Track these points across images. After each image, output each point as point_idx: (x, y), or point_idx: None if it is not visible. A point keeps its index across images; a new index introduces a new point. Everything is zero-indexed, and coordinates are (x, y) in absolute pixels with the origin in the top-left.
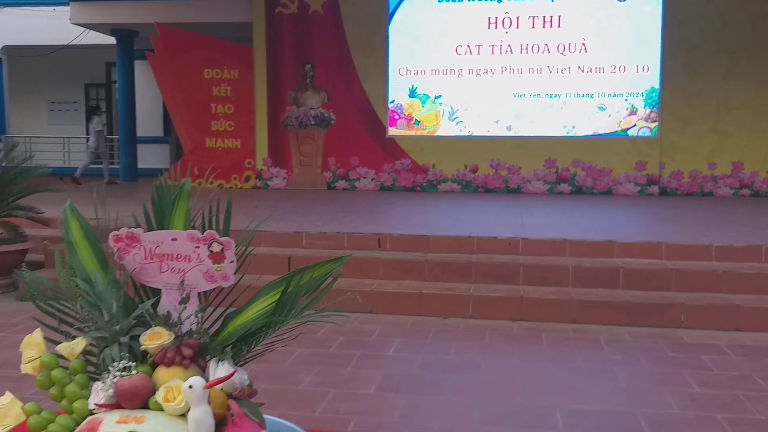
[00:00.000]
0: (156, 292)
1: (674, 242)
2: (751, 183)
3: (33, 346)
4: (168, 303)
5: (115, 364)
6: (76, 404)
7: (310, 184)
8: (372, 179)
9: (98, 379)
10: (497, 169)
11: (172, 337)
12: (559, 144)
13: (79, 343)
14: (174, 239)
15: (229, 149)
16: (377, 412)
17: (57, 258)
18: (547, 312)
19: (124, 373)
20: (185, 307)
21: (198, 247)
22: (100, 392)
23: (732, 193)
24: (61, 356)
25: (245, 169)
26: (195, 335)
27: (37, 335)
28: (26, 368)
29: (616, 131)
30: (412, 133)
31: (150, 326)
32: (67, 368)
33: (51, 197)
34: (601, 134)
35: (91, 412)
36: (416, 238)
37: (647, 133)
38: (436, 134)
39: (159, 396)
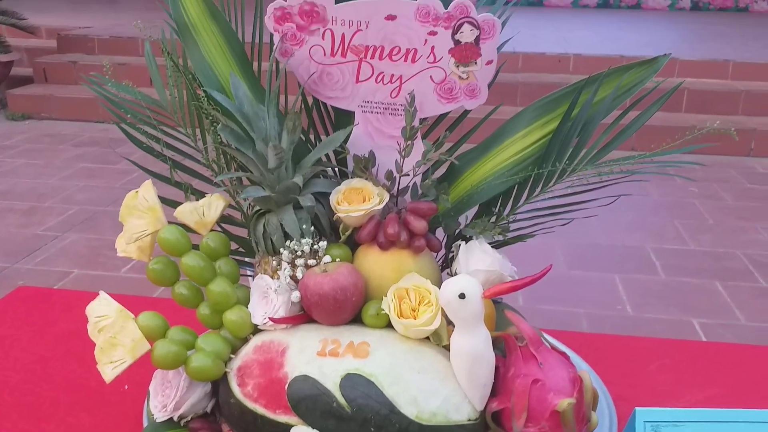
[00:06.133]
0: (344, 120)
1: (741, 60)
2: None
3: (142, 212)
4: (368, 138)
5: (291, 244)
6: (231, 315)
7: None
8: None
9: (250, 265)
10: None
11: (385, 198)
12: None
13: (216, 203)
14: (391, 17)
15: None
16: None
17: (149, 57)
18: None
19: (312, 262)
20: (410, 145)
21: (434, 34)
22: (272, 295)
23: None
24: (182, 226)
25: None
26: (425, 195)
27: (149, 191)
28: (127, 249)
29: None
30: None
31: (336, 180)
32: (196, 247)
33: (33, 3)
34: None
35: (257, 329)
36: None
37: None
38: None
39: (388, 306)
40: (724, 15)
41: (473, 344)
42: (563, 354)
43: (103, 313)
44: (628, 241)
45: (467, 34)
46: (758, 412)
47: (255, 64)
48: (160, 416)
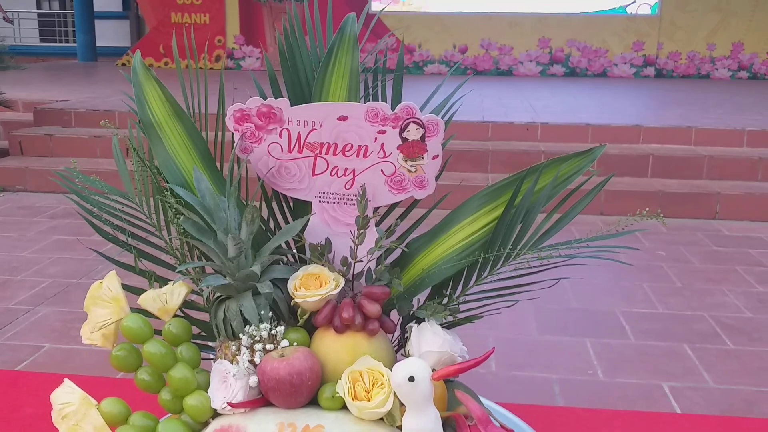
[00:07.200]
0: (301, 209)
1: (703, 127)
2: (749, 65)
3: (106, 302)
4: (325, 225)
5: (250, 329)
6: (191, 401)
7: None
8: None
9: (212, 348)
10: (488, 50)
11: (341, 283)
12: (554, 22)
13: (178, 290)
14: (342, 118)
15: (197, 25)
16: None
17: (116, 153)
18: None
19: (270, 346)
20: (363, 233)
21: (383, 133)
22: (231, 380)
23: (729, 76)
24: (144, 313)
25: (215, 48)
26: (379, 279)
27: (113, 282)
28: (92, 337)
29: (615, 8)
30: (397, 8)
31: (295, 265)
32: (159, 333)
33: (11, 77)
34: (598, 12)
35: (216, 414)
36: None
37: (647, 10)
38: (423, 10)
39: (342, 389)
40: (687, 82)
41: (423, 425)
42: (511, 431)
43: (67, 400)
44: (598, 305)
45: (413, 133)
46: None
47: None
48: None
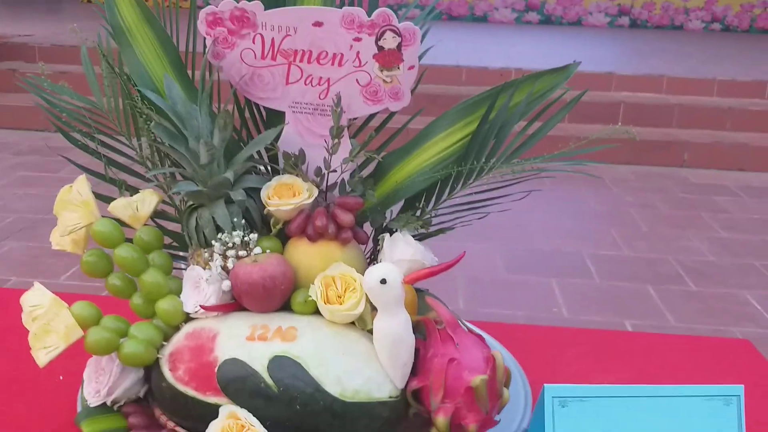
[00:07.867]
0: (275, 120)
1: (675, 75)
2: (723, 17)
3: (76, 206)
4: (299, 136)
5: (223, 236)
6: (163, 304)
7: None
8: None
9: (184, 259)
10: None
11: (314, 193)
12: None
13: (149, 198)
14: (317, 24)
15: None
16: None
17: (84, 58)
18: (542, 149)
19: (243, 253)
20: (337, 143)
21: (359, 40)
22: (203, 284)
23: (703, 27)
24: (116, 221)
25: None
26: (353, 191)
27: (83, 186)
28: (62, 242)
29: None
30: None
31: (268, 176)
32: (130, 241)
33: None
34: None
35: (189, 318)
36: None
37: None
38: None
39: (315, 293)
40: (661, 32)
41: (394, 326)
42: (479, 336)
43: (38, 302)
44: (565, 247)
45: (390, 41)
46: (659, 387)
47: (189, 67)
48: (93, 401)
